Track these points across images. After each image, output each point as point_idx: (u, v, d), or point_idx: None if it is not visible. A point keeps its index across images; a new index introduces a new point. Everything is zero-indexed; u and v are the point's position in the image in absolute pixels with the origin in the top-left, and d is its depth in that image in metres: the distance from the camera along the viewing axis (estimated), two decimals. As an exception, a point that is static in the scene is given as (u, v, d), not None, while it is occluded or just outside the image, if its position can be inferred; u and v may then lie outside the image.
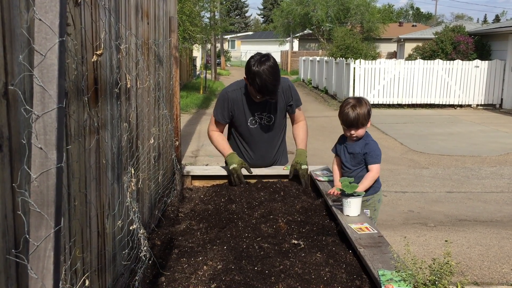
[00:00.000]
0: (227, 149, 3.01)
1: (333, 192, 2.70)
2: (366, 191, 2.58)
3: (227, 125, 3.16)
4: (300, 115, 3.16)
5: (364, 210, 2.54)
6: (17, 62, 0.94)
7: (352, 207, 2.26)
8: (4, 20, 0.90)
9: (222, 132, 3.12)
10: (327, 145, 8.58)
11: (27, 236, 0.82)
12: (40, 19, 0.80)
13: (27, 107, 0.94)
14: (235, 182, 2.85)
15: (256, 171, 3.01)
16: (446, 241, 4.36)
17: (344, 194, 2.28)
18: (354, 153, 2.67)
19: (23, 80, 0.96)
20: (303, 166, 2.90)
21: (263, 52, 2.96)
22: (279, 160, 3.23)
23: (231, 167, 2.86)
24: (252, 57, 2.79)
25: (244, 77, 2.84)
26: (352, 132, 2.62)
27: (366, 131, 2.66)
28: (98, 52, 1.38)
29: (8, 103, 0.92)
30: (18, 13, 0.95)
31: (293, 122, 3.20)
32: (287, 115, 3.17)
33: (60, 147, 0.83)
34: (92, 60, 1.37)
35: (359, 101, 2.61)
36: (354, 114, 2.56)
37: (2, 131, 0.90)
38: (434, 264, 1.46)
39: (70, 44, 1.19)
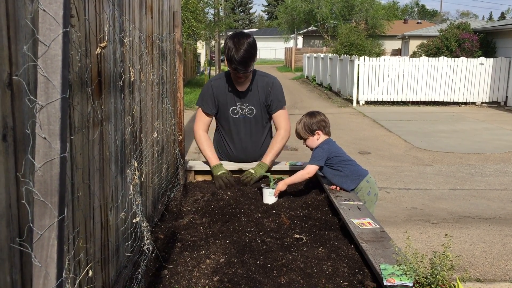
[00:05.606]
0: (214, 159, 3.01)
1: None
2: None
3: (214, 120, 3.15)
4: (282, 121, 3.05)
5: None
6: (21, 52, 0.95)
7: (263, 196, 2.67)
8: (9, 11, 0.91)
9: (208, 128, 3.11)
10: (331, 141, 8.56)
11: (31, 225, 0.82)
12: (44, 10, 0.81)
13: (31, 97, 0.94)
14: (221, 186, 2.84)
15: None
16: (446, 235, 4.36)
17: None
18: None
19: (27, 71, 0.97)
20: (252, 173, 2.90)
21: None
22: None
23: (218, 173, 2.90)
24: (234, 32, 2.90)
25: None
26: (304, 144, 2.82)
27: (328, 138, 2.74)
28: (102, 45, 1.38)
29: (12, 94, 0.92)
30: (23, 4, 0.96)
31: (276, 127, 3.10)
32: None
33: (64, 137, 0.83)
34: (96, 52, 1.37)
35: (303, 116, 2.77)
36: (295, 129, 2.81)
37: (6, 121, 0.90)
38: (434, 257, 1.46)
39: (74, 35, 1.19)
